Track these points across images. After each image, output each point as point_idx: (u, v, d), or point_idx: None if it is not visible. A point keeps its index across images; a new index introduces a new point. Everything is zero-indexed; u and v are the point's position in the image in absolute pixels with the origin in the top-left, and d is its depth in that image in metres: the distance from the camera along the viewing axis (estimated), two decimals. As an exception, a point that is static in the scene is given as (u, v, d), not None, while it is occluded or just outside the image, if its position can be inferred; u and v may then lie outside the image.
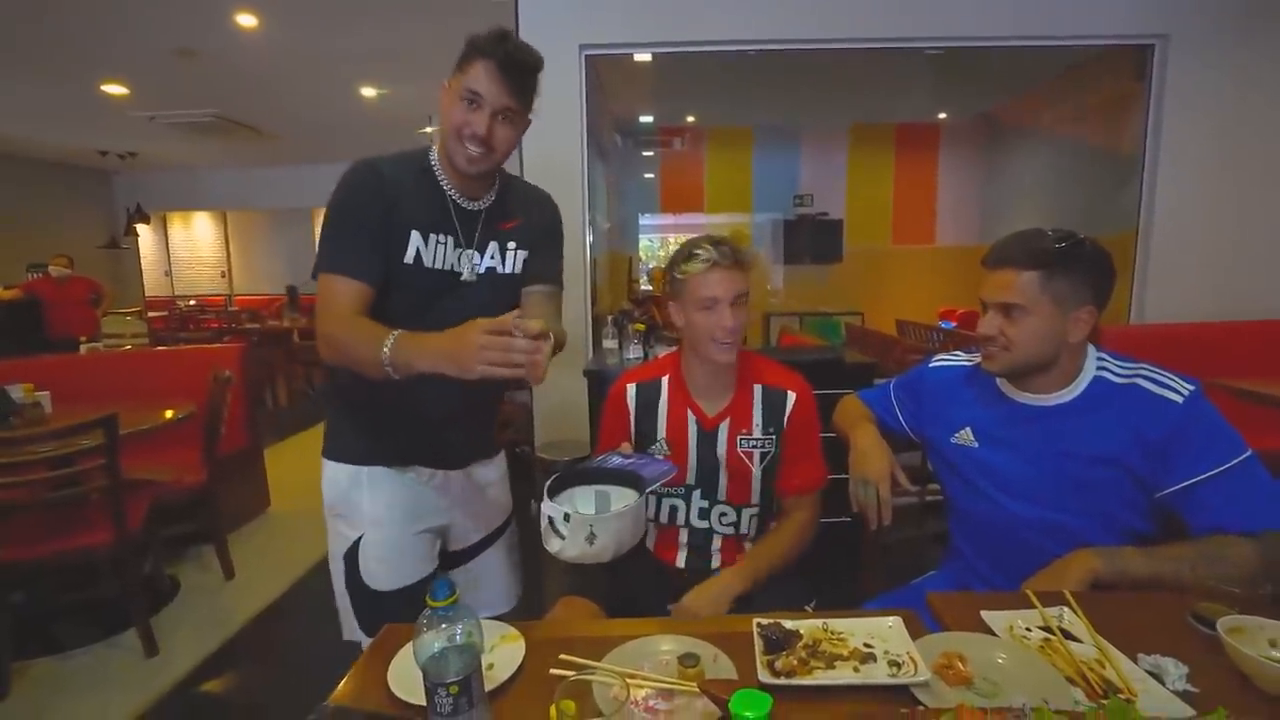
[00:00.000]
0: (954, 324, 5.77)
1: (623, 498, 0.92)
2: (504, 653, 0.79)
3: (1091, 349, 1.07)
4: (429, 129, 6.13)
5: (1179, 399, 0.97)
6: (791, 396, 1.27)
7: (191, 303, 8.62)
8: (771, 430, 1.26)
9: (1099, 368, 1.05)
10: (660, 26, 2.81)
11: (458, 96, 1.03)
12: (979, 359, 1.17)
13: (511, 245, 1.18)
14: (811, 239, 6.38)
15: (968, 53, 3.03)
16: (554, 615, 1.17)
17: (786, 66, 3.95)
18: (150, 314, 7.48)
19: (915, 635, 0.78)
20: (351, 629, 1.17)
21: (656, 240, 7.11)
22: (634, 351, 2.55)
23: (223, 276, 9.32)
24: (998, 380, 1.13)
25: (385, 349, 0.91)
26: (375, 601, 1.14)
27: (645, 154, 6.52)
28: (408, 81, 4.94)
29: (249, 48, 4.18)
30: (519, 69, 1.02)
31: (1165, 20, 2.77)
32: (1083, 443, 1.03)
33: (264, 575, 2.66)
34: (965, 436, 1.15)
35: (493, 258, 1.17)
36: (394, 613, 1.07)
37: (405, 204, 1.07)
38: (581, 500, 0.93)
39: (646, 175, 6.61)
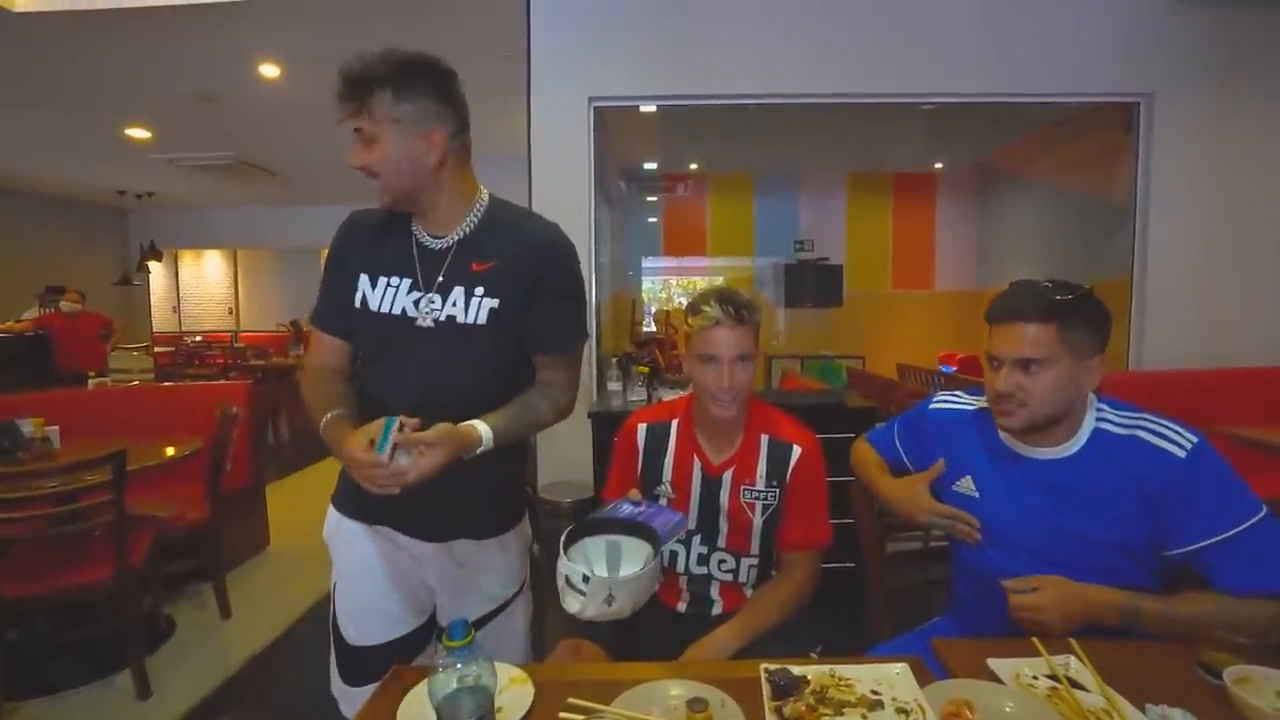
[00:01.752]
0: (954, 368, 5.82)
1: (634, 549, 0.94)
2: (513, 695, 0.79)
3: (1091, 398, 1.06)
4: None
5: (1181, 453, 0.95)
6: (797, 451, 1.25)
7: (198, 339, 8.70)
8: (775, 483, 1.25)
9: (1098, 419, 1.05)
10: (666, 80, 2.94)
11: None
12: (982, 401, 1.18)
13: (479, 291, 1.04)
14: (812, 283, 6.47)
15: (962, 106, 3.16)
16: (557, 657, 1.16)
17: (786, 117, 4.09)
18: (157, 349, 7.55)
19: (922, 682, 0.79)
20: (335, 679, 1.16)
21: (659, 282, 7.21)
22: (637, 394, 2.57)
23: (230, 313, 9.44)
24: (1000, 430, 1.14)
25: (322, 425, 1.00)
26: (350, 653, 1.12)
27: (649, 198, 6.68)
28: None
29: (269, 95, 4.35)
30: (351, 86, 0.99)
31: (1149, 79, 2.89)
32: (1086, 498, 1.02)
33: (261, 615, 2.62)
34: (966, 485, 1.14)
35: (454, 304, 1.04)
36: (369, 666, 1.08)
37: (361, 248, 1.09)
38: (594, 550, 0.94)
39: (650, 219, 6.75)
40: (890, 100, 3.02)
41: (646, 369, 2.72)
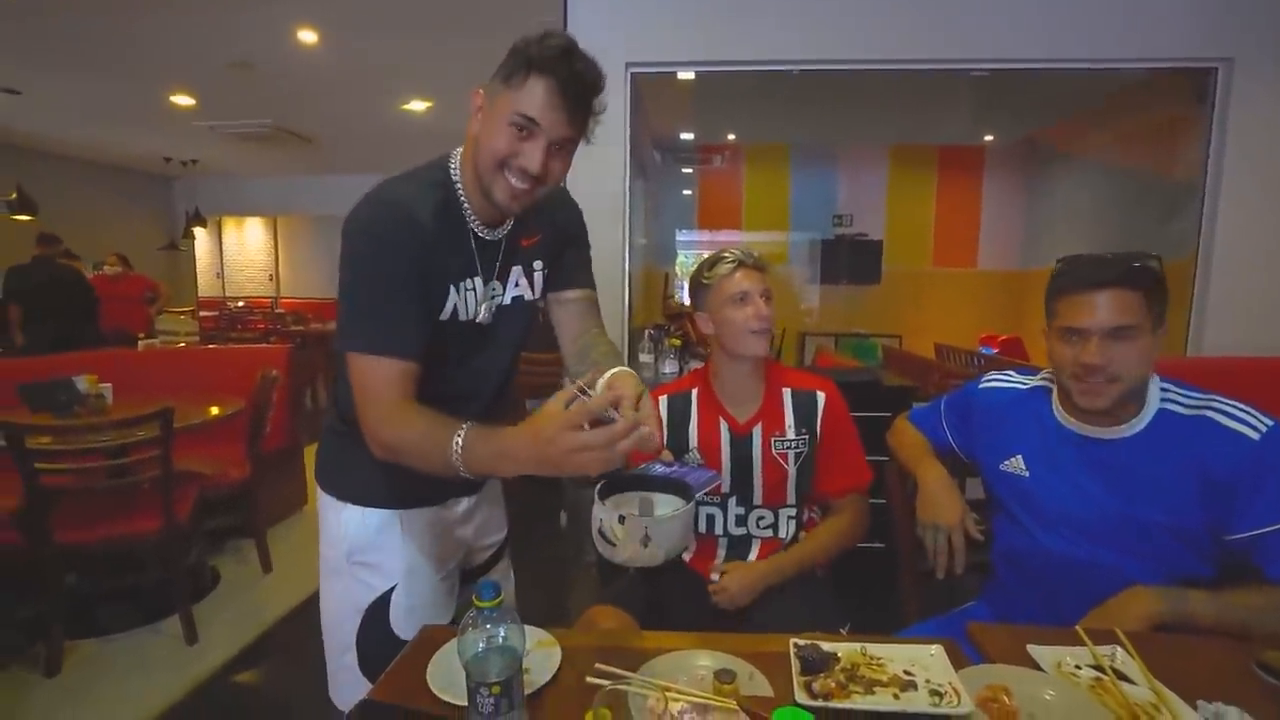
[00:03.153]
0: (995, 350, 5.63)
1: (667, 504, 0.93)
2: (540, 657, 0.80)
3: (1155, 378, 1.01)
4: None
5: (1255, 435, 0.91)
6: (821, 396, 1.31)
7: (240, 304, 8.96)
8: (805, 431, 1.30)
9: (1163, 399, 1.00)
10: (705, 46, 2.84)
11: (503, 119, 0.84)
12: (1035, 381, 1.13)
13: (538, 265, 1.05)
14: (850, 259, 6.32)
15: (1013, 75, 2.99)
16: (585, 623, 1.17)
17: (826, 86, 3.95)
18: (202, 313, 7.80)
19: (957, 666, 0.76)
20: (345, 691, 1.03)
21: (692, 256, 7.13)
22: (669, 366, 2.55)
23: (270, 279, 9.67)
24: (1054, 407, 1.09)
25: (455, 453, 0.78)
26: (397, 650, 0.97)
27: (684, 170, 6.57)
28: (453, 95, 5.09)
29: (306, 61, 4.37)
30: (584, 92, 0.85)
31: (1229, 43, 2.68)
32: (1144, 480, 0.98)
33: (300, 570, 2.72)
34: (1015, 465, 1.11)
35: (517, 284, 1.03)
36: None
37: (439, 251, 0.92)
38: (627, 505, 0.94)
39: (685, 192, 6.65)
40: (942, 66, 2.87)
41: (679, 341, 2.69)
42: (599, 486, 0.88)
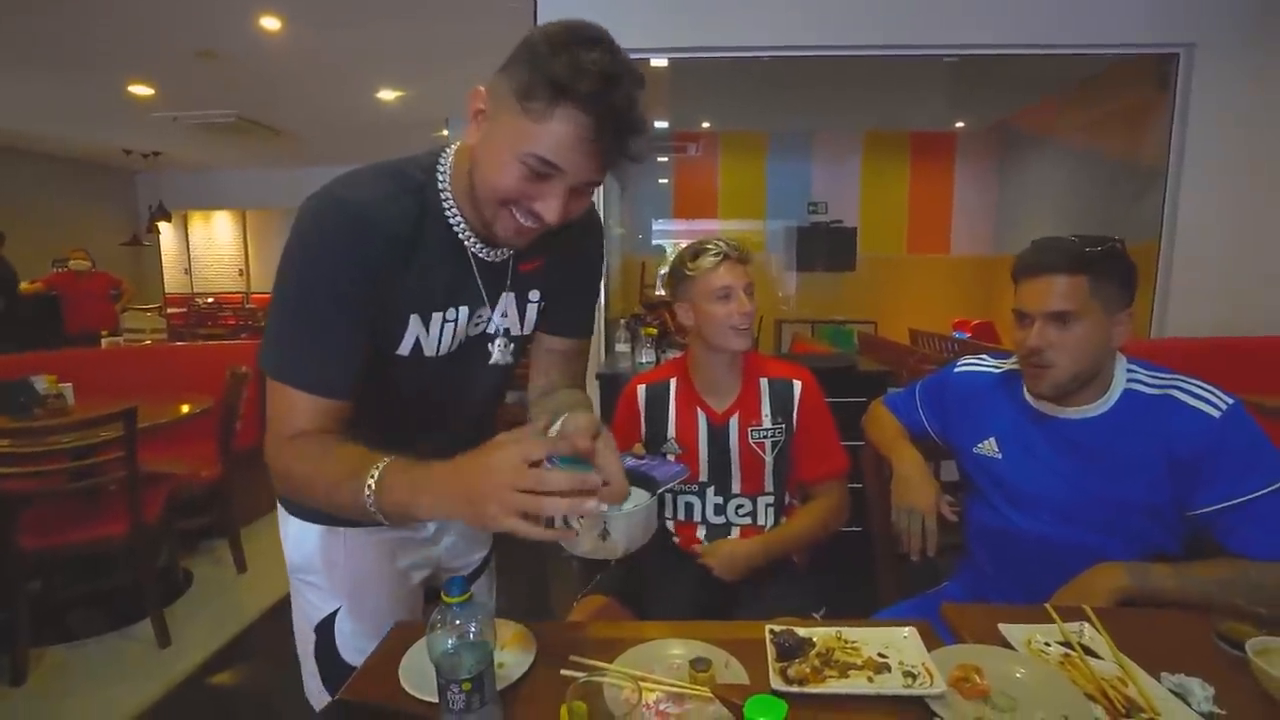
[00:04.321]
0: (968, 334, 5.72)
1: (635, 498, 0.93)
2: (514, 651, 0.79)
3: (1121, 359, 1.03)
4: (445, 132, 6.18)
5: (1216, 413, 0.93)
6: (798, 385, 1.32)
7: (210, 300, 8.74)
8: (780, 420, 1.30)
9: (1129, 379, 1.02)
10: (679, 32, 2.82)
11: (511, 152, 0.66)
12: (1008, 365, 1.15)
13: (534, 295, 0.88)
14: (825, 246, 6.35)
15: (985, 60, 3.01)
16: (576, 615, 1.17)
17: (801, 72, 3.95)
18: (170, 310, 7.60)
19: (931, 647, 0.77)
20: (317, 694, 0.96)
21: (669, 245, 7.12)
22: (646, 355, 2.55)
23: (240, 274, 9.44)
24: (1025, 390, 1.11)
25: (368, 489, 0.66)
26: (348, 669, 0.91)
27: (660, 159, 6.54)
28: (425, 83, 5.00)
29: (271, 50, 4.24)
30: (625, 131, 0.66)
31: (1190, 28, 2.73)
32: (1113, 459, 1.00)
33: (275, 570, 2.68)
34: (989, 447, 1.13)
35: (504, 314, 0.86)
36: None
37: (404, 272, 0.75)
38: None
39: (660, 180, 6.62)
40: (911, 53, 2.88)
41: (655, 331, 2.68)
42: None
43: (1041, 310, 0.98)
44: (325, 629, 0.93)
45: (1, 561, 1.89)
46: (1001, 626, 0.80)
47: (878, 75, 4.28)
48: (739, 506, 1.31)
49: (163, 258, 9.31)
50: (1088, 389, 1.02)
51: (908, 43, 2.82)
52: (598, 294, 1.00)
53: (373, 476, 0.66)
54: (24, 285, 5.64)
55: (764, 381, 1.32)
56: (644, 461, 1.08)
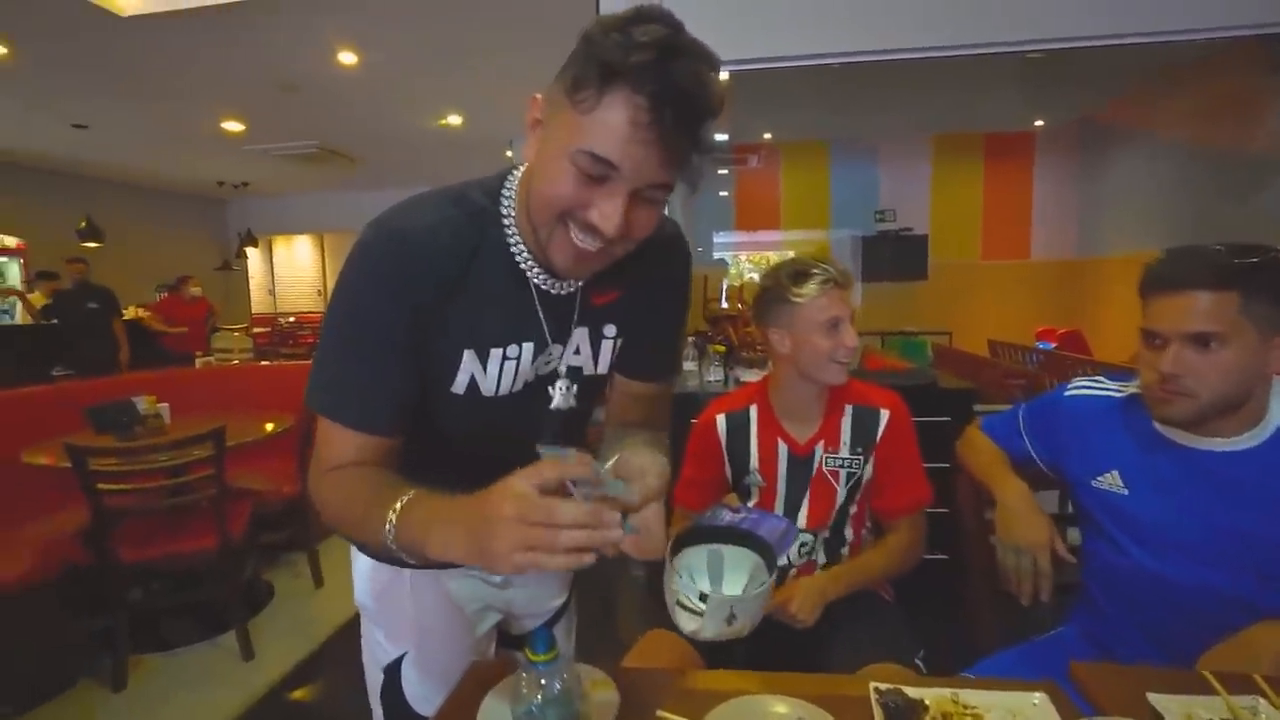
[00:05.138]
0: (1053, 344, 5.36)
1: (736, 558, 0.87)
2: (596, 701, 0.74)
3: (1277, 382, 0.90)
4: (509, 153, 6.33)
5: None
6: (884, 414, 1.21)
7: (291, 319, 9.27)
8: (860, 450, 1.20)
9: None
10: (739, 44, 2.77)
11: (561, 152, 0.58)
12: (1131, 388, 1.03)
13: (610, 331, 0.79)
14: (893, 255, 6.14)
15: (1066, 54, 2.81)
16: (642, 649, 1.11)
17: (864, 77, 3.84)
18: (255, 330, 8.09)
19: (1064, 716, 0.68)
20: None
21: (730, 257, 7.03)
22: (714, 374, 2.48)
23: (319, 294, 9.97)
24: (1153, 418, 0.98)
25: (388, 527, 0.60)
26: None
27: (720, 172, 6.49)
28: (488, 106, 5.14)
29: (347, 82, 4.47)
30: (690, 114, 0.56)
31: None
32: (1265, 496, 0.87)
33: (349, 586, 2.73)
34: (1111, 481, 1.00)
35: (577, 351, 0.78)
36: None
37: (456, 304, 0.68)
38: (695, 561, 0.87)
39: (721, 193, 6.57)
40: (994, 50, 2.72)
41: (723, 348, 2.62)
42: (668, 549, 0.80)
43: (1179, 331, 0.86)
44: (392, 671, 0.89)
45: (104, 572, 2.01)
46: (1151, 697, 0.69)
47: (946, 76, 4.10)
48: (802, 544, 1.22)
49: (250, 280, 9.96)
50: (1232, 418, 0.89)
51: (990, 40, 2.66)
52: (684, 329, 0.90)
53: (394, 511, 0.60)
54: (142, 315, 6.02)
55: (849, 408, 1.22)
56: (741, 515, 1.00)
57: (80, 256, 5.03)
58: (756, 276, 7.14)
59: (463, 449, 0.77)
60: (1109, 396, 1.06)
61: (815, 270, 1.14)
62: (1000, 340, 5.04)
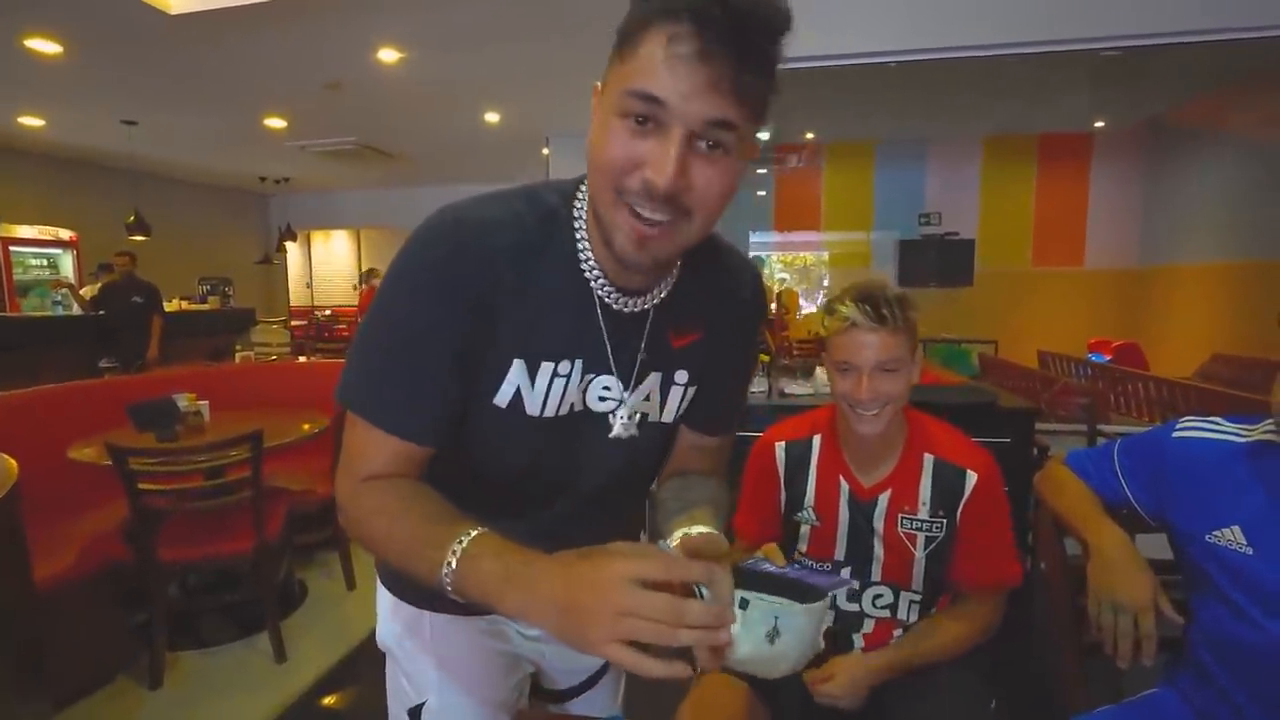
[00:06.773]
0: (1107, 357, 5.11)
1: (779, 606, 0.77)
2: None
3: None
4: (545, 151, 6.30)
5: None
6: (972, 478, 1.06)
7: (327, 313, 9.41)
8: (942, 514, 1.07)
9: None
10: (796, 42, 2.66)
11: (611, 107, 0.54)
12: (1260, 432, 0.91)
13: (681, 378, 0.72)
14: (937, 260, 5.93)
15: (1134, 52, 2.62)
16: (699, 699, 1.03)
17: (914, 76, 3.67)
18: (293, 323, 8.23)
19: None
20: None
21: (765, 258, 6.91)
22: (758, 385, 2.39)
23: (354, 289, 10.11)
24: None
25: (448, 563, 0.54)
26: None
27: (759, 170, 6.36)
28: (527, 103, 5.12)
29: (388, 80, 4.48)
30: (749, 33, 0.50)
31: None
32: None
33: (382, 587, 2.73)
34: (1232, 537, 0.89)
35: (647, 398, 0.71)
36: None
37: (513, 306, 0.62)
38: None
39: (760, 192, 6.43)
40: (1067, 48, 2.55)
41: (767, 357, 2.52)
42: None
43: None
44: (415, 716, 0.83)
45: (143, 570, 2.01)
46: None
47: (1000, 75, 3.90)
48: (877, 596, 1.11)
49: (288, 273, 10.16)
50: None
51: (1061, 38, 2.51)
52: (752, 367, 0.86)
53: (454, 553, 0.54)
54: (184, 306, 6.13)
55: (929, 459, 1.08)
56: (789, 569, 0.92)
57: (128, 250, 5.14)
58: (787, 278, 6.99)
59: (492, 479, 0.70)
60: (1230, 441, 0.94)
61: (840, 306, 1.02)
62: (1050, 351, 4.83)
